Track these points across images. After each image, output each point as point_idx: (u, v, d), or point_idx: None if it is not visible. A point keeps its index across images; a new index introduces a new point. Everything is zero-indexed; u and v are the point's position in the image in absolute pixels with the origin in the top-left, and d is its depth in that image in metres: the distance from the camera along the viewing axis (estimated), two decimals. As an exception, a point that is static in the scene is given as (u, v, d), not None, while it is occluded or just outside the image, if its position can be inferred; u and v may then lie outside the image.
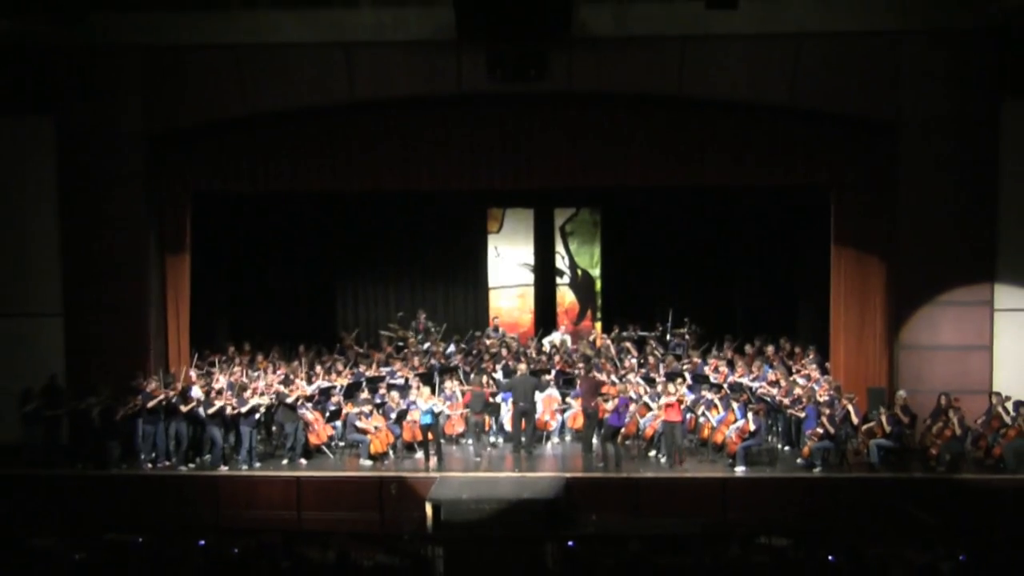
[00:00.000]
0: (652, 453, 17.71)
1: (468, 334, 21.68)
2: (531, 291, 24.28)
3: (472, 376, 19.06)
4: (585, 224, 24.35)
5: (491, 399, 18.55)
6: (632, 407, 17.71)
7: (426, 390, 18.04)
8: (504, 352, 20.29)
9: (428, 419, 17.56)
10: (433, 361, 20.12)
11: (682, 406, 17.43)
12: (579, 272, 24.39)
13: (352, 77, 18.78)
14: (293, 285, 23.32)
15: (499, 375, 19.11)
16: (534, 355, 20.30)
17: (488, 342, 21.13)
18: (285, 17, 18.62)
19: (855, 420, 17.13)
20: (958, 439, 16.99)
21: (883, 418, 17.00)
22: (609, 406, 17.29)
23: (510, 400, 18.45)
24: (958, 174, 18.26)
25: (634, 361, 19.68)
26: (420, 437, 17.93)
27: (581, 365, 19.38)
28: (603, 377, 18.36)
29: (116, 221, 19.10)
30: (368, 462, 17.55)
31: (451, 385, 18.80)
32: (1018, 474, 16.63)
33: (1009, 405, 17.19)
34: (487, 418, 18.54)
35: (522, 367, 18.56)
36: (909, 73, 18.21)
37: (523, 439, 18.03)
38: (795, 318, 20.56)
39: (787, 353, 19.88)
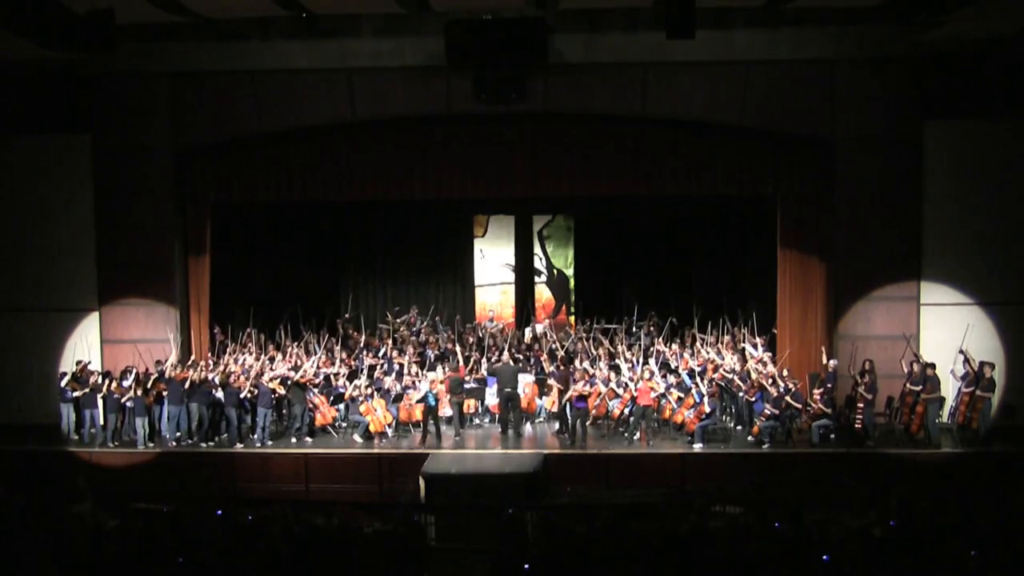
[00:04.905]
0: (621, 431, 17.59)
1: (437, 325, 21.59)
2: (512, 288, 24.02)
3: (450, 361, 18.91)
4: (560, 229, 24.14)
5: (472, 383, 18.26)
6: (602, 389, 17.64)
7: (433, 375, 17.85)
8: (500, 341, 20.14)
9: (432, 401, 17.45)
10: (428, 351, 19.99)
11: (652, 392, 17.33)
12: (555, 272, 24.23)
13: (354, 99, 18.60)
14: (301, 282, 23.12)
15: (484, 365, 18.92)
16: (516, 344, 20.14)
17: (482, 333, 20.97)
18: (295, 46, 18.45)
19: (797, 403, 17.07)
20: (870, 404, 16.93)
21: (817, 395, 16.95)
22: (578, 388, 17.17)
23: (495, 385, 18.28)
24: (887, 185, 18.19)
25: (603, 350, 19.54)
26: (415, 418, 17.78)
27: (560, 354, 19.29)
28: (576, 364, 18.20)
29: (145, 227, 18.88)
30: (359, 439, 17.38)
31: (441, 371, 18.65)
32: (941, 449, 16.64)
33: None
34: (469, 401, 18.21)
35: (505, 356, 18.41)
36: (844, 96, 18.12)
37: (511, 423, 17.78)
38: (746, 312, 20.50)
39: (739, 343, 19.81)
